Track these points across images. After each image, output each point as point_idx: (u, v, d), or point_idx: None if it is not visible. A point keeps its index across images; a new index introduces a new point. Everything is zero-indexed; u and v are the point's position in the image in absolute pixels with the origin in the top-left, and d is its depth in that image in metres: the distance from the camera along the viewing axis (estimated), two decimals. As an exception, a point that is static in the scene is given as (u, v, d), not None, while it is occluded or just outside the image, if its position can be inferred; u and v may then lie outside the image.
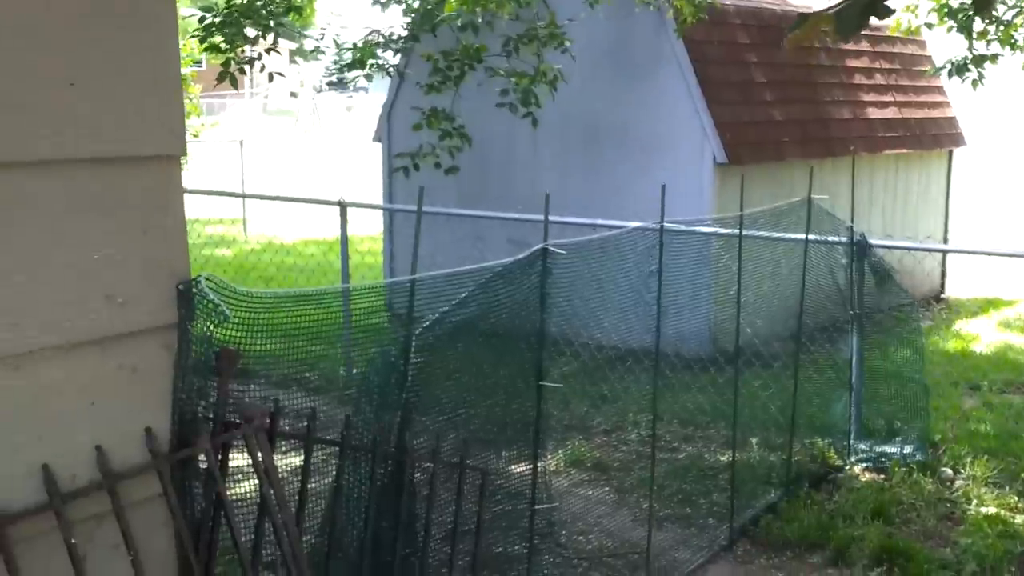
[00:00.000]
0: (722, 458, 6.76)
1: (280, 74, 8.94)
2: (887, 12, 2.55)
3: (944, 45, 12.92)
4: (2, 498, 2.46)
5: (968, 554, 5.65)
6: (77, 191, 2.55)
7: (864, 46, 13.67)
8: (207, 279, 2.79)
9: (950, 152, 14.62)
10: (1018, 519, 6.18)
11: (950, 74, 12.13)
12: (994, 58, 11.47)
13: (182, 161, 2.84)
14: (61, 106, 2.49)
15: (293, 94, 24.25)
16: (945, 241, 13.96)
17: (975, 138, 17.06)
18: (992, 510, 6.28)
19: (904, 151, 13.59)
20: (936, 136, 14.39)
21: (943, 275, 14.04)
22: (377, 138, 12.65)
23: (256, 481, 3.01)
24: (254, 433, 3.00)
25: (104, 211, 2.60)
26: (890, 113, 13.72)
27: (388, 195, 12.12)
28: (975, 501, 6.45)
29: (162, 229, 2.73)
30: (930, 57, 14.70)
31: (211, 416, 2.94)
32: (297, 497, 3.22)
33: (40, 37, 2.44)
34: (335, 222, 9.54)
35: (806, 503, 6.39)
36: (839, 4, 2.47)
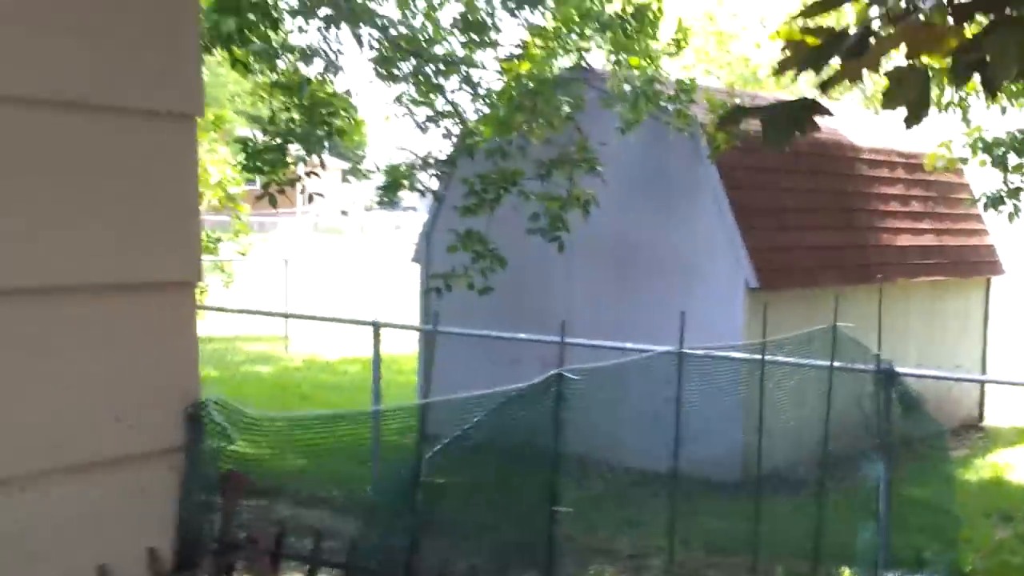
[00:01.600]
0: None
1: (320, 195, 9.24)
2: (814, 127, 2.60)
3: (982, 173, 13.05)
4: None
5: None
6: (91, 315, 2.69)
7: (900, 173, 13.82)
8: (215, 402, 2.90)
9: (988, 280, 14.61)
10: (1047, 658, 6.08)
11: (986, 207, 12.25)
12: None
13: (199, 286, 2.97)
14: (82, 235, 2.64)
15: (343, 212, 24.82)
16: (983, 370, 13.87)
17: (1015, 266, 17.08)
18: (1020, 647, 6.18)
19: (941, 278, 13.61)
20: (974, 264, 14.42)
21: (981, 403, 13.92)
22: (416, 259, 12.89)
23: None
24: (258, 556, 3.08)
25: (117, 334, 2.74)
26: (927, 240, 13.78)
27: (424, 315, 12.28)
28: (1003, 637, 6.35)
29: (173, 352, 2.86)
30: (967, 185, 14.80)
31: (215, 538, 3.02)
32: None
33: (65, 173, 2.60)
34: (387, 343, 9.71)
35: (830, 634, 6.32)
36: (768, 106, 2.52)
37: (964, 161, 12.01)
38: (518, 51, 9.90)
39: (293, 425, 3.34)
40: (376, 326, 9.28)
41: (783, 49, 2.64)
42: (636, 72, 9.25)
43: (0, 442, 2.54)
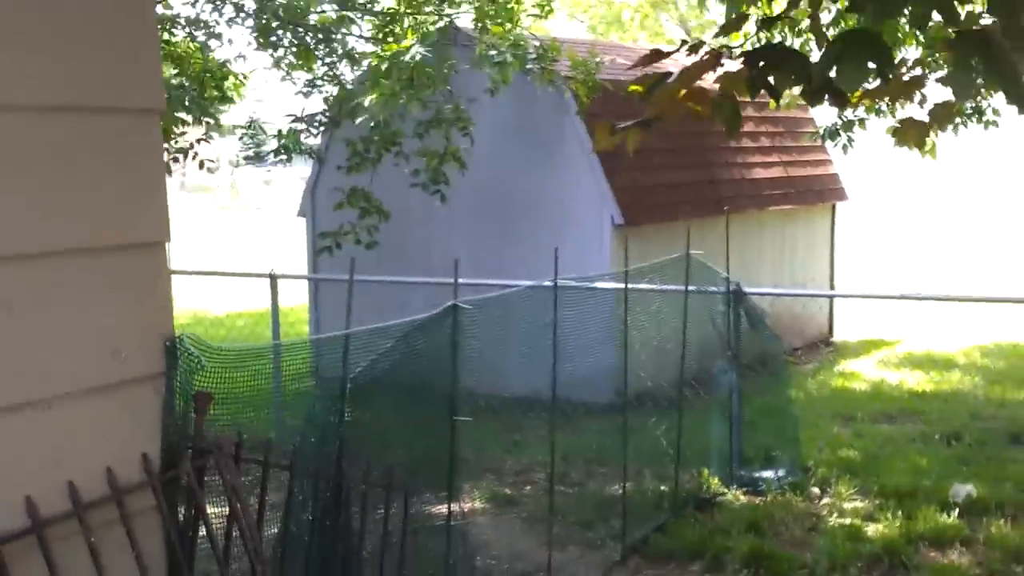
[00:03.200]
0: (618, 489, 7.64)
1: (212, 161, 9.78)
2: (649, 128, 3.62)
3: (824, 108, 14.17)
4: (40, 508, 3.26)
5: (822, 554, 6.65)
6: (90, 272, 3.40)
7: (750, 111, 14.87)
8: (188, 337, 3.64)
9: (833, 206, 15.89)
10: (869, 526, 7.19)
11: (823, 139, 13.39)
12: (862, 123, 12.71)
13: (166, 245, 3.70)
14: (76, 210, 3.35)
15: (209, 169, 25.00)
16: (832, 288, 15.15)
17: (859, 192, 18.44)
18: (848, 520, 7.28)
19: (790, 207, 14.78)
20: (819, 192, 15.65)
21: (831, 319, 15.22)
22: (301, 213, 13.52)
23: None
24: (224, 459, 3.84)
25: (109, 286, 3.46)
26: (776, 172, 14.93)
27: (313, 267, 12.96)
28: (835, 513, 7.45)
29: (153, 299, 3.59)
30: (812, 119, 15.98)
31: (190, 445, 3.78)
32: (258, 507, 4.07)
33: (66, 164, 3.30)
34: (261, 294, 10.32)
35: (691, 522, 7.34)
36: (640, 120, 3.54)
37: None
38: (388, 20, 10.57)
39: (246, 354, 4.09)
40: (274, 278, 9.94)
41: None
42: (500, 40, 9.99)
43: (29, 373, 3.25)
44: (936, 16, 3.71)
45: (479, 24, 10.51)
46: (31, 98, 3.22)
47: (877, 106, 12.75)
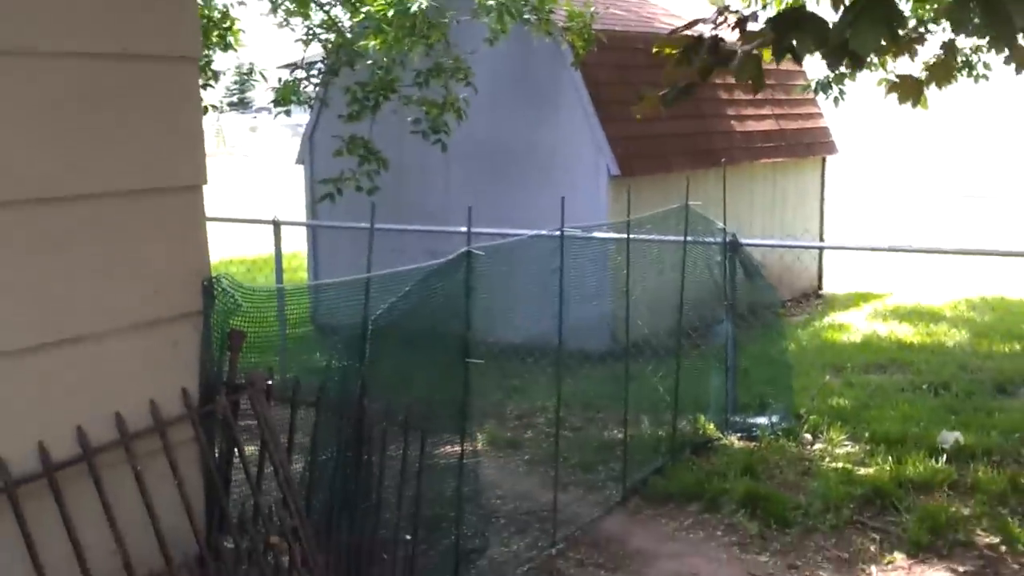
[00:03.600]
0: (617, 433, 7.85)
1: (215, 107, 9.85)
2: (693, 92, 3.76)
3: (815, 61, 14.28)
4: (89, 437, 3.43)
5: (815, 496, 6.89)
6: (137, 217, 3.55)
7: (744, 65, 14.97)
8: (224, 277, 3.79)
9: (823, 159, 16.06)
10: (860, 470, 7.43)
11: (815, 91, 13.52)
12: (852, 75, 12.81)
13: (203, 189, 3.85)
14: (129, 154, 3.49)
15: (210, 107, 24.93)
16: (821, 240, 15.35)
17: (851, 145, 18.60)
18: (840, 464, 7.51)
19: (781, 159, 14.94)
20: (810, 145, 15.81)
21: (820, 272, 15.44)
22: (300, 160, 13.61)
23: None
24: (256, 394, 4.01)
25: (154, 228, 3.61)
26: (768, 125, 15.07)
27: (312, 214, 13.08)
28: (827, 458, 7.69)
29: (192, 240, 3.75)
30: (804, 72, 16.10)
31: (225, 380, 3.95)
32: (287, 441, 4.25)
33: (107, 111, 3.43)
34: (254, 242, 10.43)
35: (688, 466, 7.56)
36: (666, 91, 3.69)
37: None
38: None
39: (275, 295, 4.25)
40: (277, 224, 10.07)
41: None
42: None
43: (82, 309, 3.40)
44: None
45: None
46: (82, 45, 3.35)
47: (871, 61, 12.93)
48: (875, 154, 34.66)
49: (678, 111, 13.75)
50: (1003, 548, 6.34)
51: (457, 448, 5.43)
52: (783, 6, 10.26)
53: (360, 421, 4.62)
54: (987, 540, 6.44)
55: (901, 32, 3.74)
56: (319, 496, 4.45)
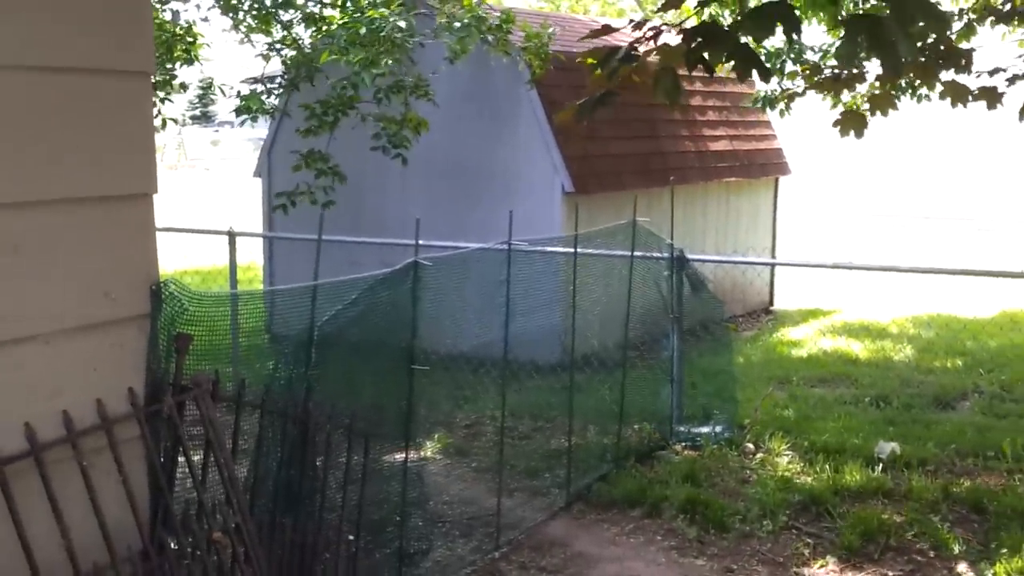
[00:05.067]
0: (563, 441, 8.03)
1: (176, 120, 9.98)
2: (612, 102, 3.98)
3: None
4: (38, 433, 3.56)
5: (753, 502, 7.11)
6: (87, 223, 3.69)
7: (698, 86, 15.28)
8: (172, 282, 3.95)
9: (776, 179, 16.37)
10: (798, 478, 7.66)
11: (763, 106, 13.80)
12: (802, 93, 13.11)
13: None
14: (82, 163, 3.64)
15: (171, 121, 24.97)
16: (773, 258, 15.66)
17: (805, 166, 18.94)
18: (780, 473, 7.74)
19: (734, 179, 15.23)
20: (763, 165, 16.11)
21: (771, 289, 15.74)
22: (257, 174, 13.74)
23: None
24: (202, 394, 4.16)
25: (104, 234, 3.75)
26: (722, 146, 15.36)
27: (268, 226, 13.21)
28: (768, 467, 7.91)
29: (141, 245, 3.89)
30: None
31: (171, 381, 4.09)
32: (232, 442, 4.40)
33: (59, 126, 3.59)
34: (210, 252, 10.54)
35: (632, 473, 7.77)
36: (583, 100, 3.90)
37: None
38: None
39: (224, 300, 4.40)
40: (232, 235, 10.20)
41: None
42: (463, 9, 10.26)
43: (31, 310, 3.54)
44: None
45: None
46: (36, 59, 3.50)
47: (816, 80, 13.23)
48: (828, 174, 35.16)
49: (633, 131, 14.10)
50: (932, 553, 6.58)
51: (402, 454, 5.60)
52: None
53: (305, 424, 4.77)
54: (918, 546, 6.67)
55: (798, 33, 3.97)
56: (263, 496, 4.60)
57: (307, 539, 4.75)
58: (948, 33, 9.64)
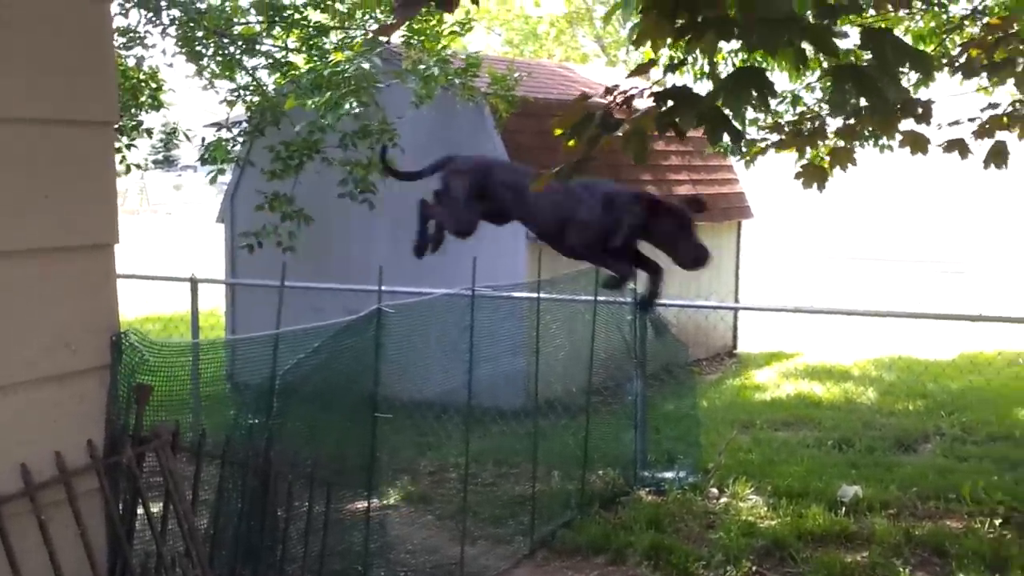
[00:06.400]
0: (528, 488, 8.01)
1: (139, 166, 9.96)
2: (585, 167, 4.07)
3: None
4: (-5, 486, 3.54)
5: (717, 548, 7.12)
6: (48, 273, 3.69)
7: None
8: (133, 333, 3.93)
9: (739, 223, 16.51)
10: (762, 523, 7.67)
11: (725, 152, 13.95)
12: (764, 152, 13.27)
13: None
14: (44, 213, 3.63)
15: (136, 165, 24.91)
16: (736, 302, 15.75)
17: (767, 210, 19.14)
18: (744, 517, 7.75)
19: (698, 223, 15.31)
20: (726, 209, 16.24)
21: (735, 333, 15.83)
22: (220, 219, 13.70)
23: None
24: (162, 446, 4.14)
25: (65, 284, 3.75)
26: (685, 190, 15.48)
27: (231, 272, 13.15)
28: (732, 511, 7.92)
29: (102, 296, 3.89)
30: (719, 140, 16.56)
31: (131, 432, 4.07)
32: (192, 493, 4.37)
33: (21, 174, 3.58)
34: (172, 299, 10.46)
35: (596, 520, 7.74)
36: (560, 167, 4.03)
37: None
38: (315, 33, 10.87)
39: (186, 351, 4.38)
40: (194, 281, 10.14)
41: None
42: (427, 55, 10.35)
43: (-12, 362, 3.53)
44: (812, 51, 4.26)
45: (408, 40, 10.84)
46: (5, 111, 3.51)
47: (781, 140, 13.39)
48: (792, 218, 35.51)
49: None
50: (895, 597, 6.60)
51: (365, 503, 5.57)
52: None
53: (266, 474, 4.75)
54: (880, 589, 6.69)
55: (773, 101, 4.04)
56: (223, 547, 4.56)
57: (268, 591, 4.72)
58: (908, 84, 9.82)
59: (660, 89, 4.28)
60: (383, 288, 5.97)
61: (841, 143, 9.30)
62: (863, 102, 4.21)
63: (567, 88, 14.87)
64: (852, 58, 6.09)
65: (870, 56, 4.08)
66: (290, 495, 4.92)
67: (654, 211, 5.86)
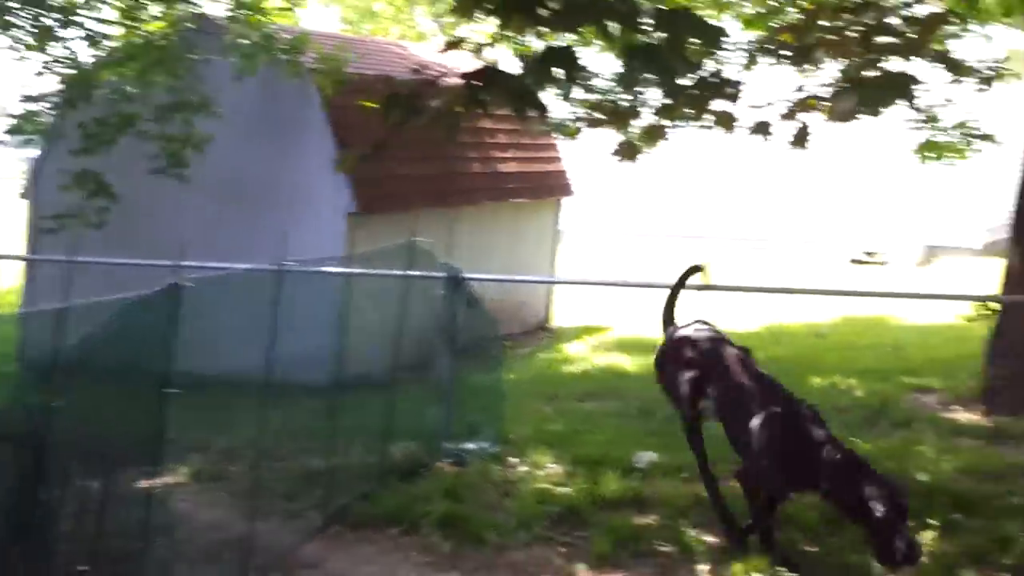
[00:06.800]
0: (323, 462, 8.06)
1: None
2: (388, 149, 4.35)
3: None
4: None
5: (511, 515, 7.39)
6: None
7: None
8: None
9: (559, 200, 16.92)
10: (558, 490, 7.95)
11: (550, 129, 14.22)
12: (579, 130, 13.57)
13: None
14: None
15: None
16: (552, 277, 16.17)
17: (588, 188, 19.59)
18: (541, 485, 8.05)
19: (521, 200, 15.67)
20: (548, 187, 16.64)
21: (548, 307, 16.23)
22: (25, 195, 13.31)
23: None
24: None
25: None
26: (511, 167, 15.79)
27: (32, 249, 12.79)
28: (530, 480, 8.21)
29: None
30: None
31: None
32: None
33: None
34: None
35: (393, 492, 7.87)
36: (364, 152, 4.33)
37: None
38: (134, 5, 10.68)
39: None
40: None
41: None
42: (250, 29, 10.30)
43: None
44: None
45: (231, 14, 10.76)
46: None
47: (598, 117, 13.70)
48: (611, 195, 36.25)
49: (423, 153, 14.36)
50: (677, 556, 6.97)
51: (150, 481, 5.61)
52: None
53: (40, 451, 4.77)
54: (664, 549, 7.04)
55: (578, 76, 4.27)
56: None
57: (38, 570, 4.73)
58: (722, 63, 10.23)
59: (469, 69, 4.46)
60: (191, 263, 5.98)
61: (655, 121, 9.65)
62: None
63: (400, 66, 14.95)
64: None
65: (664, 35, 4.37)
66: (65, 473, 4.94)
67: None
